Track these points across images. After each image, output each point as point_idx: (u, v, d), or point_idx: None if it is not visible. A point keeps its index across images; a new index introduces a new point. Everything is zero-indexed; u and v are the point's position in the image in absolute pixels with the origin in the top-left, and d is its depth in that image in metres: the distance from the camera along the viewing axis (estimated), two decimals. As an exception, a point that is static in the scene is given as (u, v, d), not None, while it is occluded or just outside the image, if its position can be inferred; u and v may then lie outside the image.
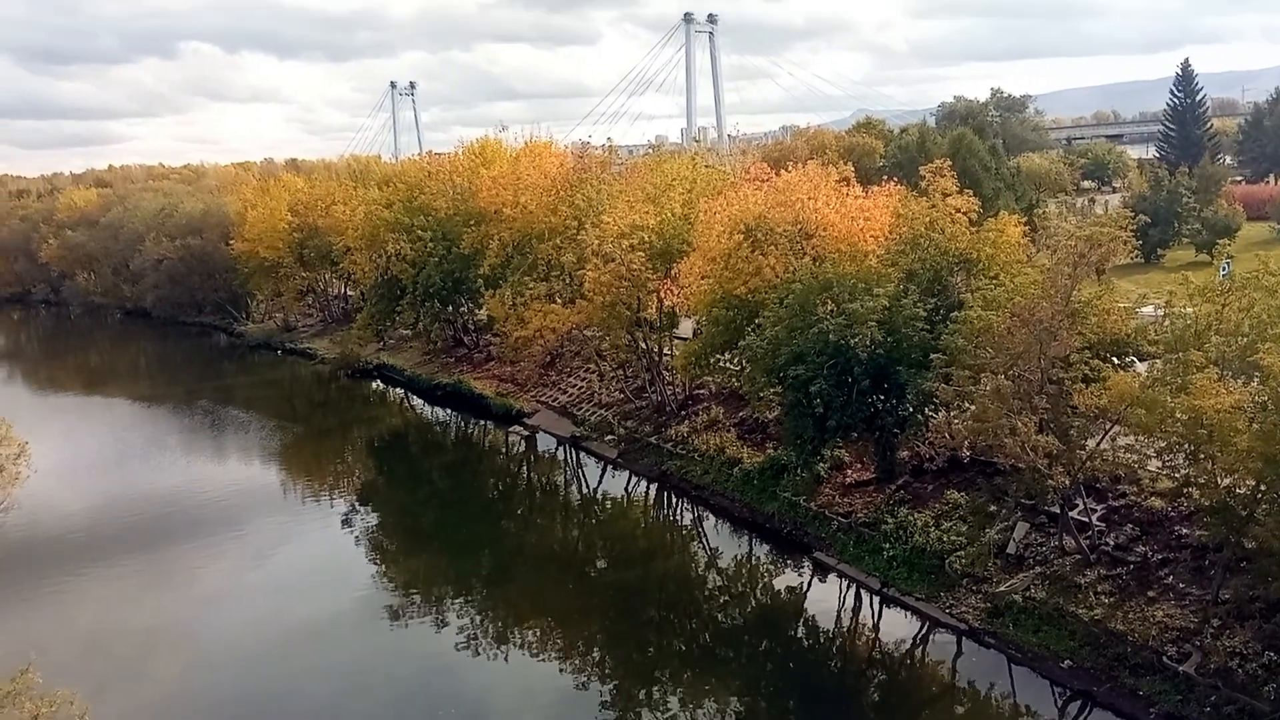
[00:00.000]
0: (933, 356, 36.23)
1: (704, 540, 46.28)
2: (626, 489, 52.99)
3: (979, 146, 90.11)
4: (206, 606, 40.59)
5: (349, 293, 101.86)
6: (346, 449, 67.08)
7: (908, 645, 34.77)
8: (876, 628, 36.30)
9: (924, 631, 34.83)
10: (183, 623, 39.20)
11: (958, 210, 43.65)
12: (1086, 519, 34.70)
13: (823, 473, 43.74)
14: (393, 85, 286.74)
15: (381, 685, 33.53)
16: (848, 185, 48.53)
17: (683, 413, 55.55)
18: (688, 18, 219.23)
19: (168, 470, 60.40)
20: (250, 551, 46.74)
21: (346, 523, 50.25)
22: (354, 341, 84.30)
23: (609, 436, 57.03)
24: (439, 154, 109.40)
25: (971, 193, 46.38)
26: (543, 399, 66.39)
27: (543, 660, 35.22)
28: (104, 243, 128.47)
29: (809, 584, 39.91)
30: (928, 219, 43.33)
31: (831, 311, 38.86)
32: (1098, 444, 33.18)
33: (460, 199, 75.13)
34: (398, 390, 78.68)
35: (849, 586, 38.35)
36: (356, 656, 35.61)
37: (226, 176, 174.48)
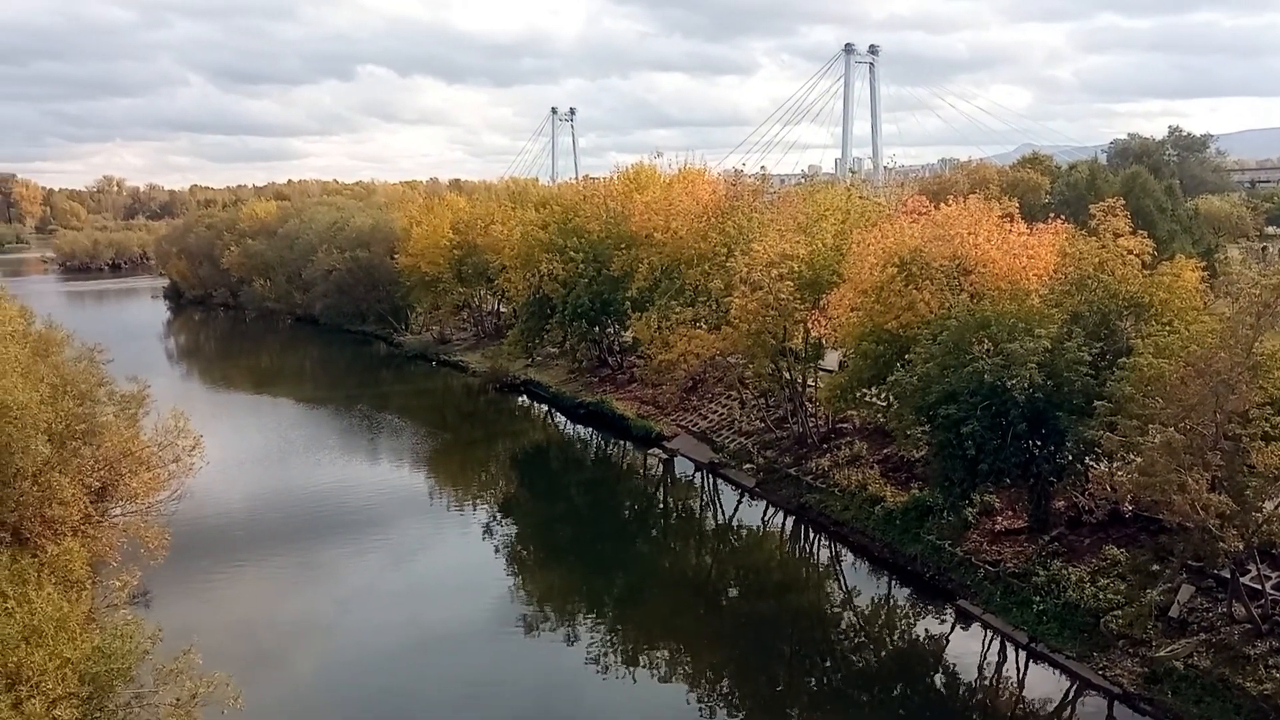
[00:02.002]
0: (1096, 404, 34.45)
1: (841, 578, 45.20)
2: (763, 519, 52.36)
3: (1154, 186, 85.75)
4: (348, 605, 42.25)
5: (502, 309, 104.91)
6: (490, 460, 68.85)
7: (1054, 705, 32.96)
8: (1021, 684, 34.53)
9: (1073, 692, 32.94)
10: (325, 619, 40.91)
11: (1130, 252, 41.60)
12: (1260, 586, 32.15)
13: (971, 518, 42.11)
14: (553, 111, 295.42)
15: (508, 695, 34.11)
16: (1011, 221, 46.94)
17: (824, 446, 54.57)
18: (848, 48, 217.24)
19: (325, 469, 63.38)
20: (393, 554, 48.43)
21: (486, 532, 51.49)
22: (504, 357, 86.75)
23: (748, 465, 56.56)
24: (594, 178, 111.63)
25: (1145, 234, 44.16)
26: (683, 423, 66.49)
27: (670, 684, 35.08)
28: (280, 252, 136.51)
29: (950, 632, 38.36)
30: (1097, 259, 41.40)
31: (988, 351, 37.48)
32: (1276, 506, 30.75)
33: (613, 222, 76.43)
34: (542, 406, 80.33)
35: (993, 638, 36.68)
36: (486, 664, 36.33)
37: (394, 194, 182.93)
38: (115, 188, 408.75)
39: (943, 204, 49.75)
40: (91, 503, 37.58)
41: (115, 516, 40.49)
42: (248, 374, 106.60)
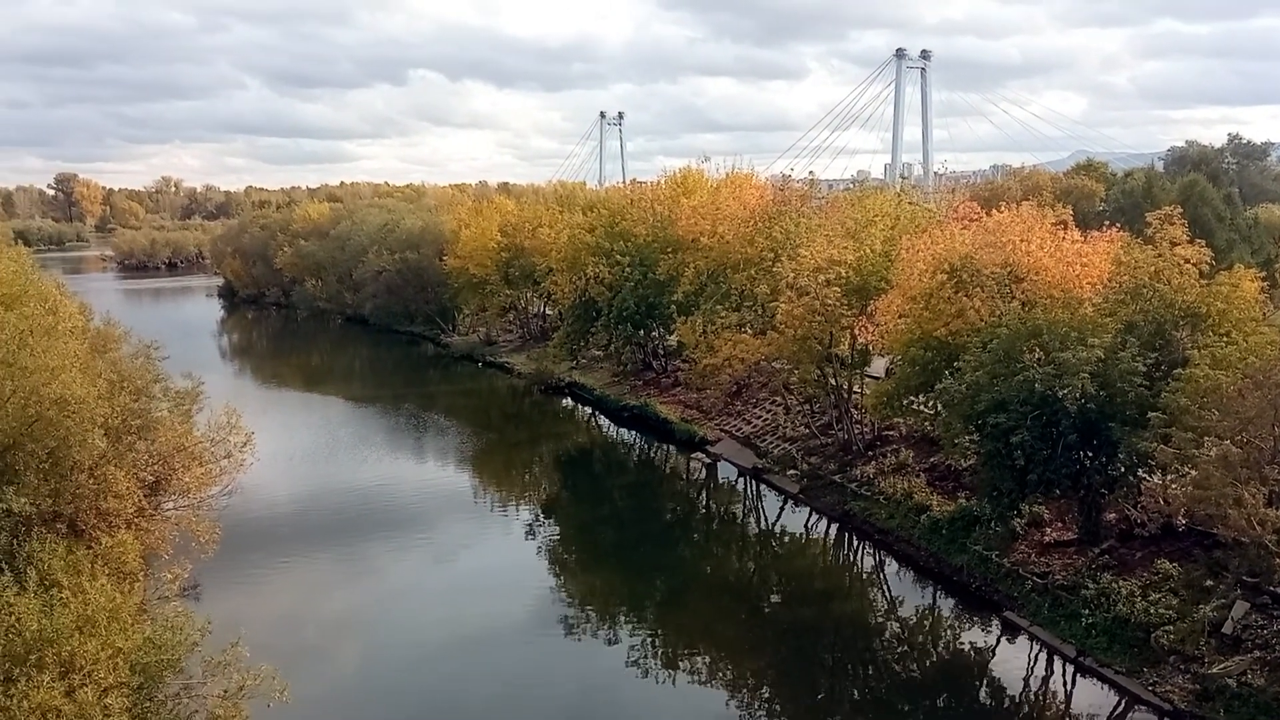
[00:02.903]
0: (1150, 415, 33.81)
1: (885, 586, 44.76)
2: (806, 526, 52.02)
3: (1213, 194, 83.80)
4: (391, 602, 42.72)
5: (548, 312, 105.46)
6: (534, 461, 69.18)
7: (1102, 721, 32.34)
8: (1069, 698, 33.94)
9: (1121, 707, 32.30)
10: (368, 615, 41.40)
11: (1186, 261, 40.82)
12: (1321, 607, 31.28)
13: (1019, 528, 41.49)
14: (602, 115, 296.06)
15: (547, 695, 34.28)
16: (1064, 228, 46.23)
17: (870, 453, 54.09)
18: (900, 53, 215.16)
19: (371, 467, 64.13)
20: (436, 553, 48.84)
21: (529, 533, 51.76)
22: (549, 359, 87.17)
23: (791, 471, 56.23)
24: (642, 182, 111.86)
25: (1203, 243, 43.27)
26: (726, 428, 66.30)
27: (710, 689, 34.99)
28: (332, 253, 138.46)
29: (996, 644, 37.81)
30: (1152, 268, 40.65)
31: (1039, 360, 36.91)
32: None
33: (659, 226, 76.49)
34: (586, 408, 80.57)
35: (1040, 651, 36.09)
36: (526, 664, 36.52)
37: (444, 197, 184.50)
38: (173, 188, 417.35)
39: (994, 210, 49.14)
40: (145, 496, 38.37)
41: (168, 510, 41.33)
42: (298, 372, 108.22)
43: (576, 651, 37.86)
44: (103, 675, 24.81)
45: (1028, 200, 56.51)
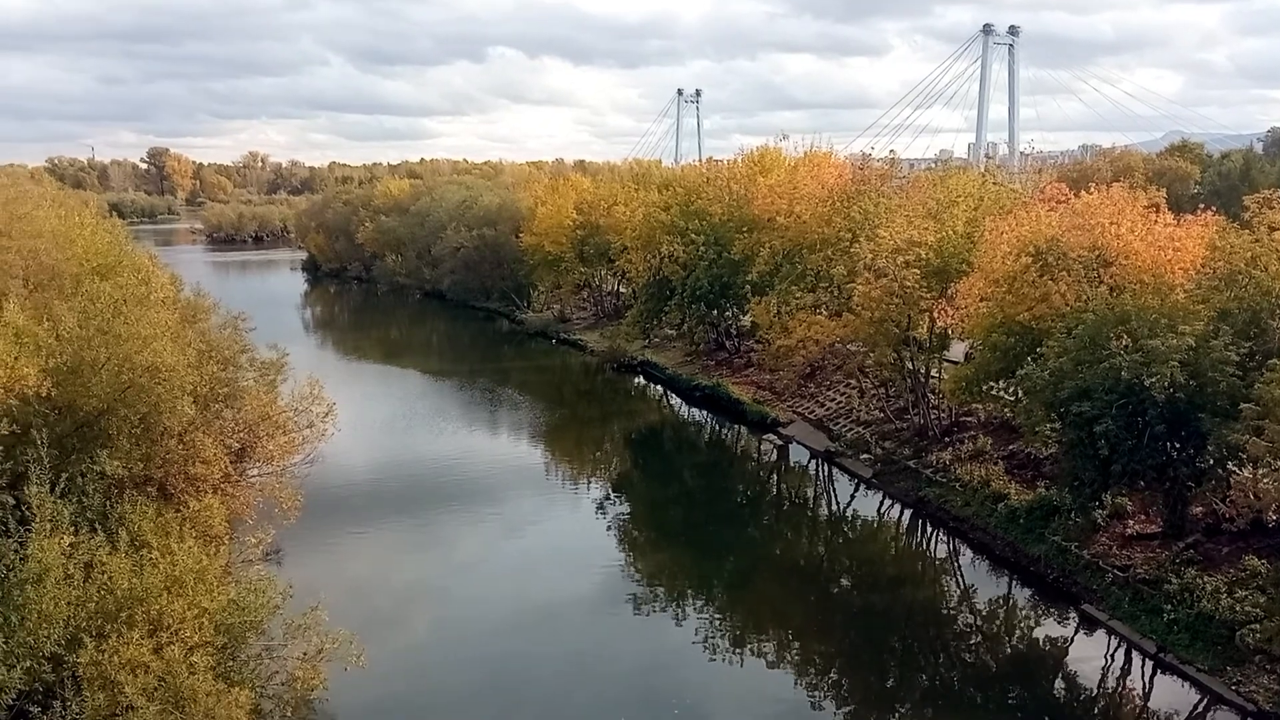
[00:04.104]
0: (1243, 406, 32.50)
1: (958, 575, 44.09)
2: (879, 511, 51.46)
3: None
4: (461, 573, 43.47)
5: (621, 290, 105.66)
6: (605, 438, 69.61)
7: (1182, 719, 31.42)
8: (1147, 695, 33.05)
9: (1203, 706, 31.36)
10: (438, 585, 42.19)
11: (1286, 246, 38.92)
12: None
13: (1100, 520, 40.44)
14: (679, 93, 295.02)
15: (613, 670, 34.68)
16: (1156, 211, 44.59)
17: (946, 439, 53.17)
18: (987, 29, 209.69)
19: (446, 439, 65.24)
20: (507, 526, 49.50)
21: (599, 509, 52.15)
22: (622, 337, 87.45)
23: (865, 455, 55.61)
24: (718, 160, 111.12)
25: (1306, 227, 41.23)
26: (799, 410, 65.81)
27: (777, 671, 34.91)
28: (411, 229, 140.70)
29: (1073, 637, 36.99)
30: (1249, 254, 38.89)
31: (1126, 346, 35.75)
32: None
33: (735, 205, 75.90)
34: (657, 387, 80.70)
35: (1119, 646, 35.22)
36: (593, 639, 36.91)
37: (521, 174, 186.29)
38: (260, 163, 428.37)
39: (1083, 192, 47.68)
40: (231, 463, 39.55)
41: (252, 476, 42.53)
42: (378, 345, 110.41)
43: (643, 628, 38.09)
44: (189, 634, 25.75)
45: (1118, 182, 54.62)
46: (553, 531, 49.58)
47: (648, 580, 42.71)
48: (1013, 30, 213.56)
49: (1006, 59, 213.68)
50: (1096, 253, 42.67)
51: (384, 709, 31.68)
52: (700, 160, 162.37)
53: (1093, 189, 47.43)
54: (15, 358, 29.46)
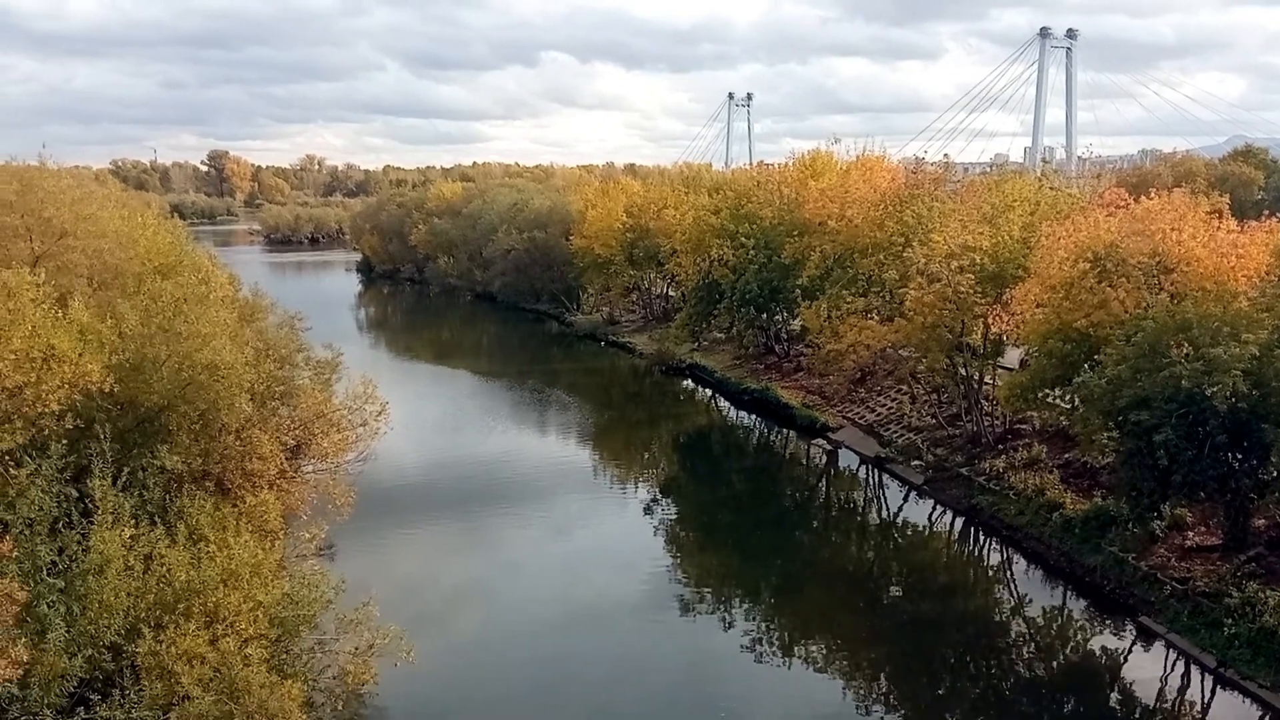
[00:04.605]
0: (1310, 416, 31.60)
1: (1011, 584, 43.39)
2: (930, 518, 50.82)
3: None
4: (509, 572, 43.75)
5: (670, 293, 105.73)
6: (653, 441, 69.61)
7: (1244, 738, 30.64)
8: (1206, 710, 32.28)
9: (1266, 726, 30.54)
10: (486, 584, 42.51)
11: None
12: None
13: (1159, 531, 39.58)
14: (730, 96, 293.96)
15: (658, 672, 34.62)
16: (1219, 217, 43.59)
17: (1000, 446, 52.39)
18: (1044, 32, 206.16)
19: (495, 439, 65.75)
20: (554, 526, 49.71)
21: (646, 511, 52.16)
22: (670, 340, 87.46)
23: (916, 462, 54.98)
24: (769, 164, 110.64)
25: (1376, 234, 40.09)
26: (849, 415, 65.27)
27: (825, 677, 34.64)
28: (463, 231, 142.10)
29: (1129, 650, 36.25)
30: (1317, 260, 37.90)
31: (1187, 355, 34.95)
32: None
33: (786, 209, 75.57)
34: (706, 390, 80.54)
35: (1177, 660, 34.42)
36: (639, 641, 36.95)
37: (571, 177, 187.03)
38: (316, 166, 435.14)
39: (1143, 197, 46.74)
40: (287, 459, 40.20)
41: (307, 473, 43.23)
42: (429, 346, 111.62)
43: (690, 631, 38.00)
44: (244, 626, 26.26)
45: (1179, 187, 53.49)
46: (600, 533, 49.69)
47: (695, 583, 42.63)
48: (1070, 33, 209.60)
49: (1064, 62, 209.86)
50: (1157, 259, 41.81)
51: (431, 706, 32.01)
52: (751, 164, 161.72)
53: (1153, 194, 46.49)
54: (80, 354, 30.21)
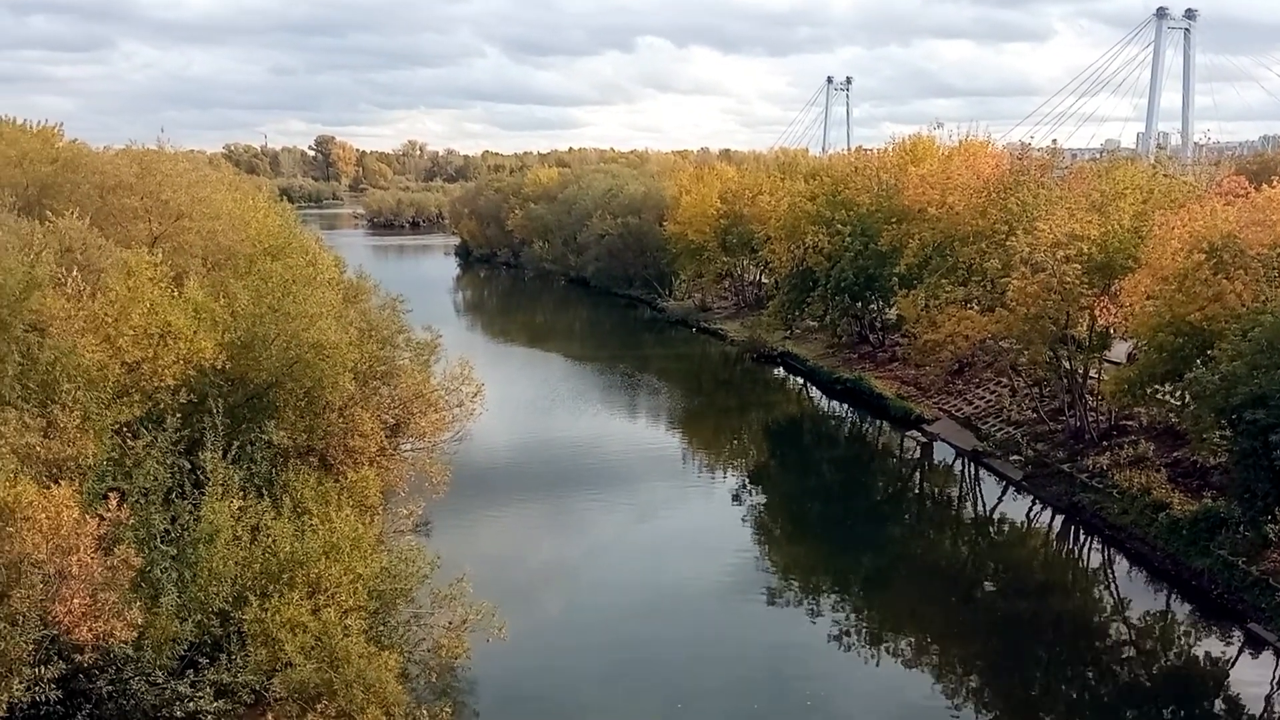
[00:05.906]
0: None
1: (1112, 586, 42.06)
2: (1028, 515, 49.53)
3: None
4: (595, 554, 44.21)
5: (763, 280, 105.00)
6: (743, 428, 69.39)
7: (1361, 756, 29.19)
8: (1320, 726, 30.83)
9: (1387, 745, 29.02)
10: (572, 565, 43.02)
11: None
12: None
13: (1272, 535, 37.77)
14: (829, 80, 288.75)
15: (743, 659, 34.50)
16: (1350, 207, 41.26)
17: (1104, 443, 50.66)
18: (1161, 13, 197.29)
19: (585, 422, 66.44)
20: (641, 511, 49.99)
21: (734, 499, 52.09)
22: (763, 327, 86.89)
23: (1015, 457, 53.58)
24: (867, 149, 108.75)
25: None
26: (945, 407, 63.96)
27: (914, 672, 34.17)
28: (559, 216, 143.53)
29: (1237, 657, 34.83)
30: None
31: (1309, 351, 33.28)
32: None
33: (884, 195, 74.20)
34: (797, 379, 79.88)
35: (1289, 671, 32.94)
36: (723, 627, 36.87)
37: (666, 163, 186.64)
38: (418, 151, 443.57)
39: (1264, 185, 44.55)
40: (386, 437, 41.33)
41: (405, 451, 44.32)
42: (524, 329, 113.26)
43: (776, 620, 37.87)
44: (344, 598, 27.16)
45: (1307, 174, 50.81)
46: (687, 518, 49.82)
47: (782, 572, 42.45)
48: (1189, 14, 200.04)
49: (1181, 44, 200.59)
50: (1278, 250, 39.82)
51: (518, 682, 32.58)
52: (849, 149, 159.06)
53: (1275, 182, 44.26)
54: (194, 332, 31.60)
